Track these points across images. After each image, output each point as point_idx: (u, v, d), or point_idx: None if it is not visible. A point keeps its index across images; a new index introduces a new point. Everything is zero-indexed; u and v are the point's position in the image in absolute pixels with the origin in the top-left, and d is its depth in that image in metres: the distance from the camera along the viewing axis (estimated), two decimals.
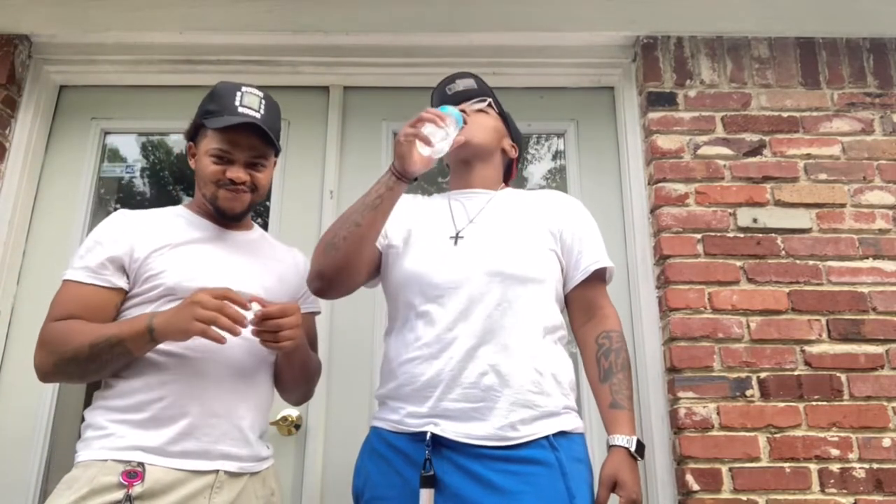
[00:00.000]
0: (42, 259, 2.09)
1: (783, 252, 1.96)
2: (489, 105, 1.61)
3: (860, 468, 1.76)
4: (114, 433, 1.26)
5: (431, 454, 1.25)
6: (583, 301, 1.47)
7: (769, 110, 2.12)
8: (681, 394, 1.84)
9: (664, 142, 2.08)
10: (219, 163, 1.43)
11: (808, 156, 2.07)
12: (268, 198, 2.21)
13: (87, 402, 1.39)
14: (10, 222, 2.08)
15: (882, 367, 1.86)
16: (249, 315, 1.27)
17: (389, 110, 2.28)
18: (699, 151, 2.07)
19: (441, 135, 1.39)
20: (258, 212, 2.30)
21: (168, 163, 2.38)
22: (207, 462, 1.29)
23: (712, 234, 1.98)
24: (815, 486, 1.75)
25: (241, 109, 1.43)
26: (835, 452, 1.78)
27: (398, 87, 2.29)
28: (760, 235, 1.98)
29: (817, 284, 1.93)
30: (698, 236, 1.98)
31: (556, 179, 2.33)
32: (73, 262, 1.38)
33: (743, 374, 1.85)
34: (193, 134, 1.50)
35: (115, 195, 2.27)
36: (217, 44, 2.24)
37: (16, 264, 2.09)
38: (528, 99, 2.30)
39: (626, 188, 2.16)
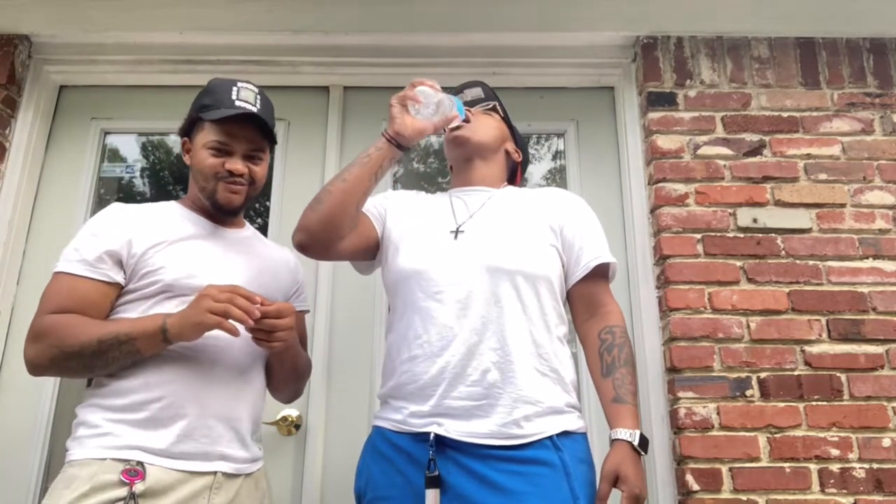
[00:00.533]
0: (42, 259, 2.09)
1: (783, 252, 1.96)
2: (494, 108, 1.63)
3: (860, 468, 1.76)
4: (111, 432, 1.25)
5: (435, 454, 1.25)
6: (585, 297, 1.45)
7: (769, 110, 2.12)
8: (681, 394, 1.84)
9: (664, 142, 2.08)
10: (217, 155, 1.42)
11: (808, 156, 2.07)
12: (268, 198, 2.21)
13: None
14: (10, 222, 2.08)
15: (882, 367, 1.86)
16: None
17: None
18: (699, 151, 2.07)
19: (433, 98, 1.41)
20: (258, 212, 2.30)
21: (168, 163, 2.38)
22: (206, 463, 1.28)
23: (712, 234, 1.98)
24: (815, 486, 1.75)
25: (237, 103, 1.43)
26: (835, 452, 1.78)
27: (398, 87, 2.26)
28: (760, 235, 1.98)
29: (817, 284, 1.93)
30: (698, 236, 1.98)
31: (556, 179, 2.33)
32: (66, 254, 1.35)
33: (743, 374, 1.85)
34: (188, 129, 1.49)
35: (115, 195, 2.27)
36: (217, 44, 2.24)
37: (16, 264, 2.09)
38: (528, 99, 2.30)
39: (626, 188, 2.16)
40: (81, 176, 2.21)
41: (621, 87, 2.27)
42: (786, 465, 1.76)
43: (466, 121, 1.55)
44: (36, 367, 1.30)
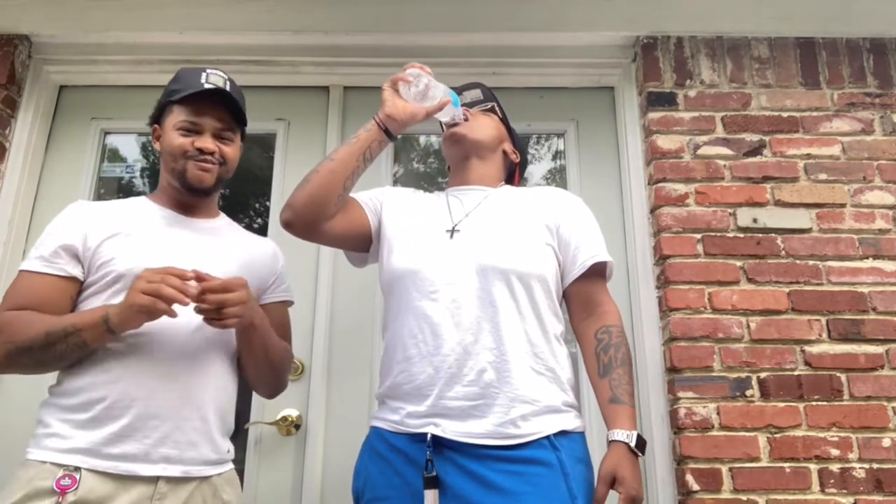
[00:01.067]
0: None
1: (783, 252, 1.96)
2: (492, 109, 1.64)
3: (860, 468, 1.76)
4: (57, 433, 1.24)
5: (433, 455, 1.25)
6: (582, 296, 1.45)
7: (769, 110, 2.12)
8: (681, 394, 1.84)
9: (664, 142, 2.08)
10: (186, 135, 1.43)
11: (808, 156, 2.07)
12: (268, 198, 2.21)
13: None
14: (11, 222, 2.08)
15: (882, 367, 1.86)
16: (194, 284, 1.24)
17: None
18: (699, 151, 2.07)
19: (422, 79, 1.42)
20: (258, 212, 2.30)
21: None
22: (148, 466, 1.25)
23: (712, 234, 1.98)
24: (815, 486, 1.75)
25: (206, 86, 1.43)
26: (835, 452, 1.78)
27: None
28: (760, 235, 1.98)
29: (817, 284, 1.93)
30: (698, 236, 1.98)
31: (556, 179, 2.33)
32: (29, 254, 1.37)
33: (743, 374, 1.85)
34: (158, 117, 1.50)
35: (115, 195, 2.27)
36: (217, 44, 2.24)
37: (16, 264, 2.08)
38: (528, 99, 2.30)
39: (626, 188, 2.16)
40: (81, 176, 2.21)
41: (621, 87, 2.27)
42: (786, 465, 1.76)
43: (465, 119, 1.55)
44: None
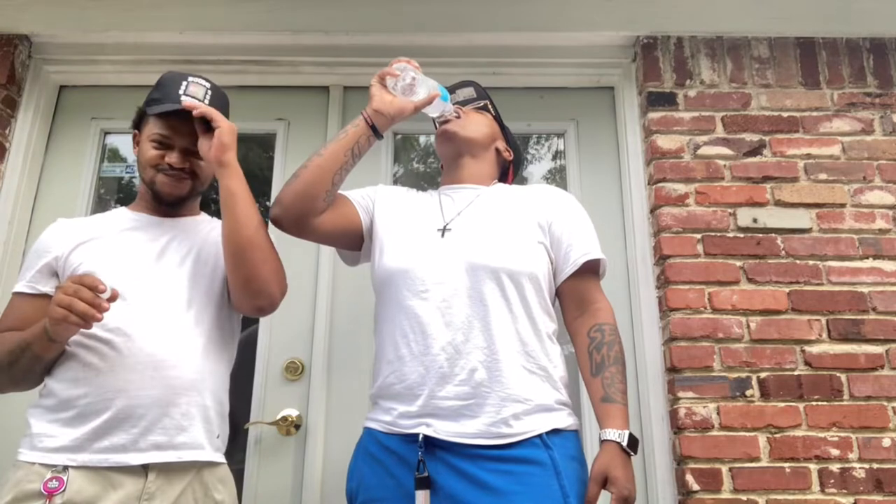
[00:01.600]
0: None
1: (783, 252, 1.96)
2: (485, 107, 1.63)
3: (860, 468, 1.76)
4: (43, 433, 1.26)
5: (424, 455, 1.24)
6: (574, 294, 1.44)
7: (769, 110, 2.12)
8: (681, 394, 1.84)
9: (664, 142, 2.08)
10: (158, 148, 1.44)
11: (808, 156, 2.07)
12: (268, 198, 2.21)
13: None
14: (11, 222, 2.08)
15: (882, 367, 1.86)
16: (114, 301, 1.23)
17: None
18: (699, 151, 2.07)
19: (409, 72, 1.41)
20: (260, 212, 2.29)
21: None
22: (137, 454, 1.25)
23: (712, 234, 1.98)
24: (815, 486, 1.75)
25: (183, 98, 1.42)
26: (835, 452, 1.78)
27: None
28: (760, 235, 1.98)
29: (817, 284, 1.93)
30: (698, 236, 1.98)
31: (556, 179, 2.33)
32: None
33: (743, 374, 1.85)
34: (138, 122, 1.51)
35: (115, 195, 2.27)
36: (217, 44, 2.24)
37: (16, 264, 2.09)
38: (528, 99, 2.30)
39: (626, 188, 2.16)
40: (81, 176, 2.21)
41: (621, 86, 2.27)
42: (786, 465, 1.76)
43: (457, 116, 1.55)
44: None
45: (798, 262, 1.95)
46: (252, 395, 1.98)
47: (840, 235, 1.98)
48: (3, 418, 1.89)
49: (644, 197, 2.11)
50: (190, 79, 1.47)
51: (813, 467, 1.76)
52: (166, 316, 1.35)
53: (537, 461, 1.23)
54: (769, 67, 2.17)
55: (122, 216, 1.50)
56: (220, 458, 1.39)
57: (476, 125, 1.57)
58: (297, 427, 1.95)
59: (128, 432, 1.26)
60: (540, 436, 1.26)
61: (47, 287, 1.38)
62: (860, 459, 1.77)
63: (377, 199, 1.54)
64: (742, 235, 1.98)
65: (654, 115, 2.12)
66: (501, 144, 1.63)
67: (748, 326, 1.89)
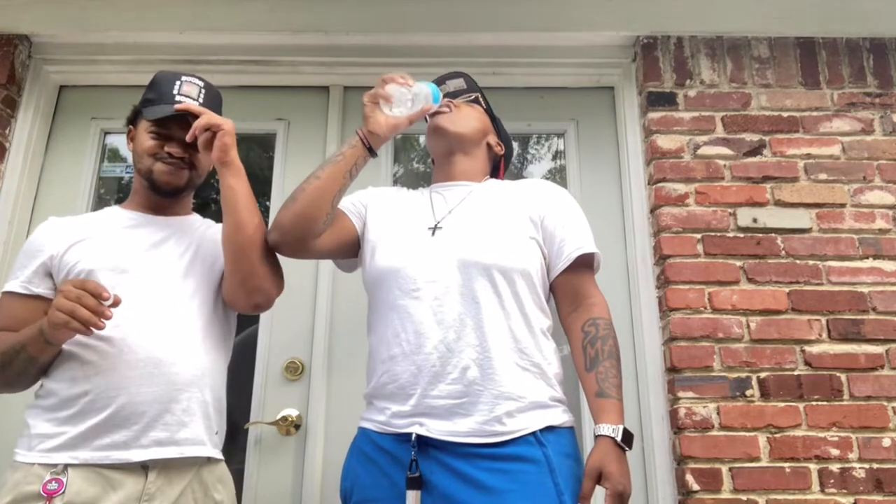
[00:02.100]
0: None
1: (783, 252, 1.96)
2: (476, 100, 1.61)
3: (860, 468, 1.76)
4: (42, 432, 1.25)
5: (418, 454, 1.24)
6: (568, 289, 1.42)
7: (769, 110, 2.12)
8: (681, 394, 1.84)
9: (664, 142, 2.08)
10: (157, 138, 1.44)
11: (808, 156, 2.07)
12: (268, 198, 2.21)
13: None
14: (11, 222, 2.08)
15: (882, 367, 1.86)
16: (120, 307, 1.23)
17: None
18: (699, 151, 2.07)
19: (406, 96, 1.39)
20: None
21: None
22: (138, 451, 1.25)
23: (712, 234, 1.98)
24: (815, 486, 1.75)
25: (178, 98, 1.43)
26: (835, 452, 1.78)
27: None
28: (760, 235, 1.98)
29: (817, 284, 1.93)
30: (698, 236, 1.98)
31: (556, 179, 2.32)
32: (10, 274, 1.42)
33: (743, 374, 1.85)
34: (133, 119, 1.51)
35: (115, 195, 2.27)
36: (217, 44, 2.24)
37: None
38: (528, 99, 2.30)
39: (626, 188, 2.16)
40: (81, 176, 2.21)
41: (621, 86, 2.27)
42: (786, 465, 1.76)
43: (448, 110, 1.52)
44: None
45: (798, 262, 1.95)
46: (252, 395, 1.98)
47: (840, 235, 1.98)
48: (2, 418, 1.89)
49: (644, 197, 2.11)
50: (183, 78, 1.47)
51: (813, 467, 1.76)
52: (165, 313, 1.35)
53: (531, 459, 1.23)
54: (769, 67, 2.17)
55: (116, 215, 1.49)
56: (220, 455, 1.40)
57: (467, 119, 1.54)
58: (297, 427, 1.95)
59: (129, 429, 1.25)
60: (534, 433, 1.25)
61: (41, 288, 1.37)
62: (860, 459, 1.77)
63: (369, 203, 1.53)
64: (742, 235, 1.98)
65: (654, 115, 2.12)
66: (493, 139, 1.61)
67: (748, 326, 1.89)
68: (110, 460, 1.24)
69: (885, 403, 1.82)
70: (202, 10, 2.20)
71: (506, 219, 1.42)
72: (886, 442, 1.79)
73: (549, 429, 1.27)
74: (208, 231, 1.53)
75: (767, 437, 1.79)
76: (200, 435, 1.33)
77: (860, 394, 1.83)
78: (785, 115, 2.11)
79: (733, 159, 2.06)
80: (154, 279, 1.37)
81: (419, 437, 1.25)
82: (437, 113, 1.52)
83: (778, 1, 2.18)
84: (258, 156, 2.36)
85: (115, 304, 1.21)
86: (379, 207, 1.52)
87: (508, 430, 1.24)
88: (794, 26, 2.18)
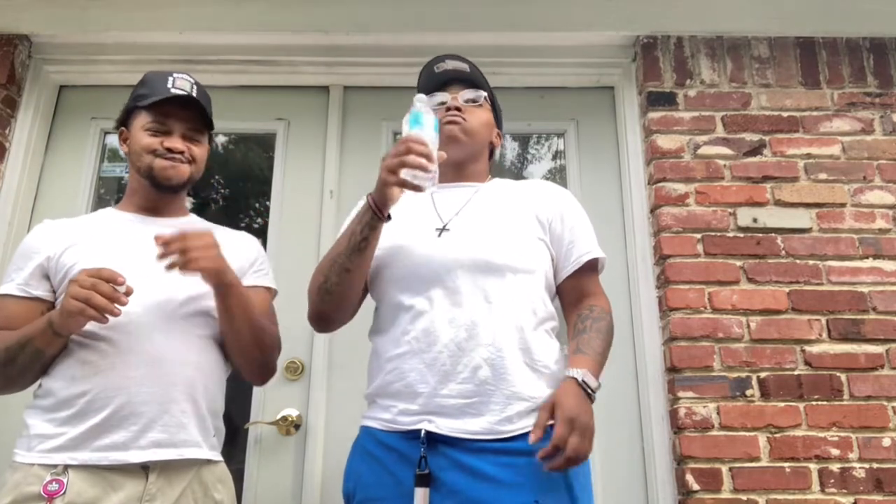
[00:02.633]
0: None
1: (783, 252, 1.96)
2: (485, 99, 1.54)
3: (860, 468, 1.76)
4: (42, 433, 1.25)
5: (426, 451, 1.24)
6: (575, 291, 1.44)
7: (769, 110, 2.12)
8: (681, 394, 1.84)
9: (664, 141, 2.08)
10: (155, 135, 1.44)
11: (808, 155, 2.07)
12: (268, 198, 2.21)
13: None
14: (10, 222, 2.08)
15: (882, 366, 1.86)
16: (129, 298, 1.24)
17: (389, 110, 2.28)
18: (699, 151, 2.07)
19: (429, 175, 1.26)
20: (258, 211, 2.30)
21: None
22: (137, 452, 1.25)
23: (712, 233, 1.98)
24: (815, 486, 1.75)
25: (173, 91, 1.44)
26: (835, 452, 1.78)
27: (398, 87, 2.28)
28: (760, 235, 1.98)
29: (817, 284, 1.93)
30: (698, 236, 1.98)
31: (556, 179, 2.32)
32: (4, 276, 1.41)
33: (743, 374, 1.85)
34: (124, 120, 1.51)
35: (115, 195, 2.27)
36: (217, 44, 2.24)
37: None
38: (528, 99, 2.30)
39: (626, 188, 2.16)
40: (81, 176, 2.21)
41: (621, 86, 2.27)
42: (786, 464, 1.76)
43: (458, 109, 1.46)
44: None
45: (798, 261, 1.95)
46: (252, 395, 1.98)
47: (840, 235, 1.98)
48: (2, 418, 1.89)
49: (644, 197, 2.11)
50: (175, 75, 1.48)
51: (813, 467, 1.76)
52: (165, 313, 1.35)
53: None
54: (769, 67, 2.17)
55: (112, 216, 1.49)
56: (218, 457, 1.40)
57: (477, 129, 1.49)
58: (297, 427, 1.95)
59: (128, 430, 1.25)
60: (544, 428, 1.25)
61: (40, 290, 1.36)
62: (860, 459, 1.77)
63: None
64: (742, 235, 1.98)
65: (654, 114, 2.12)
66: (495, 132, 1.58)
67: (748, 326, 1.89)
68: (109, 461, 1.23)
69: (885, 403, 1.82)
70: (202, 10, 2.20)
71: (514, 219, 1.42)
72: (886, 442, 1.79)
73: None
74: (218, 233, 1.50)
75: (767, 437, 1.79)
76: (197, 437, 1.33)
77: (860, 394, 1.83)
78: (785, 114, 2.11)
79: (733, 159, 2.06)
80: (153, 280, 1.37)
81: (427, 433, 1.25)
82: (447, 123, 1.46)
83: (778, 1, 2.18)
84: (258, 156, 2.37)
85: (129, 291, 1.22)
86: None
87: (518, 427, 1.25)
88: (794, 26, 2.19)
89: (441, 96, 1.51)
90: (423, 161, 1.22)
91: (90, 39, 2.23)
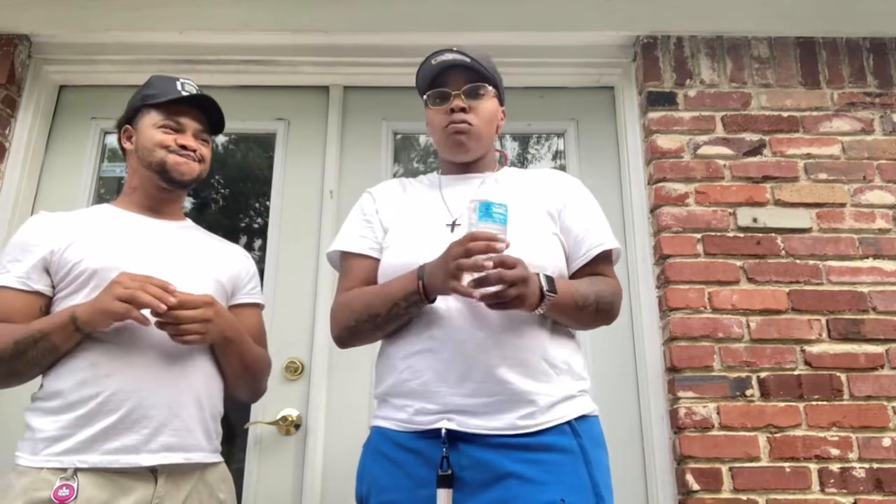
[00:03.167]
0: None
1: (783, 252, 1.96)
2: (490, 88, 1.46)
3: (860, 468, 1.76)
4: (49, 436, 1.23)
5: (448, 450, 1.19)
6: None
7: (769, 110, 2.12)
8: (681, 393, 1.84)
9: (664, 141, 2.08)
10: (168, 132, 1.45)
11: (808, 155, 2.07)
12: (268, 198, 2.21)
13: None
14: (10, 222, 2.08)
15: (882, 366, 1.86)
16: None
17: (389, 110, 2.28)
18: (699, 151, 2.07)
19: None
20: (258, 211, 2.30)
21: None
22: (148, 455, 1.25)
23: (712, 233, 1.98)
24: (815, 486, 1.75)
25: (184, 92, 1.47)
26: (835, 452, 1.78)
27: (398, 87, 2.29)
28: (760, 235, 1.98)
29: (817, 284, 1.93)
30: (698, 236, 1.98)
31: None
32: None
33: (743, 374, 1.85)
34: (130, 118, 1.51)
35: (115, 195, 2.26)
36: (217, 44, 2.24)
37: None
38: (528, 99, 2.30)
39: (626, 188, 2.16)
40: (81, 176, 2.21)
41: (621, 86, 2.27)
42: (786, 464, 1.76)
43: (463, 110, 1.39)
44: None
45: (798, 261, 1.95)
46: (262, 395, 1.97)
47: (840, 235, 1.98)
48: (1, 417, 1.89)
49: (644, 197, 2.11)
50: (182, 79, 1.50)
51: (813, 467, 1.76)
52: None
53: (566, 449, 1.20)
54: (769, 67, 2.17)
55: (112, 213, 1.47)
56: (220, 458, 1.41)
57: (485, 128, 1.43)
58: (297, 427, 1.95)
59: (139, 433, 1.25)
60: (569, 422, 1.23)
61: (41, 285, 1.34)
62: (860, 459, 1.77)
63: (381, 218, 1.45)
64: (742, 235, 1.98)
65: (654, 114, 2.12)
66: (501, 120, 1.52)
67: (748, 326, 1.89)
68: (120, 464, 1.23)
69: (885, 403, 1.82)
70: (202, 10, 2.20)
71: (526, 214, 1.36)
72: (886, 442, 1.79)
73: (583, 418, 1.25)
74: (205, 249, 1.51)
75: (767, 437, 1.79)
76: (203, 441, 1.34)
77: (860, 393, 1.83)
78: (785, 114, 2.11)
79: (733, 159, 2.06)
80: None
81: (448, 431, 1.21)
82: (454, 133, 1.40)
83: (778, 1, 2.18)
84: (258, 156, 2.37)
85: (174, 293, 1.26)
86: (389, 213, 1.45)
87: (541, 422, 1.21)
88: (794, 26, 2.19)
89: (441, 92, 1.42)
90: (485, 264, 1.16)
91: (90, 39, 2.23)
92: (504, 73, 2.23)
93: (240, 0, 2.20)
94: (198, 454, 1.32)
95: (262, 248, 2.16)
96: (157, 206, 1.50)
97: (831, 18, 2.18)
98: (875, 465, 1.77)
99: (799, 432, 1.79)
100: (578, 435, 1.22)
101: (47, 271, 1.36)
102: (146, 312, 1.25)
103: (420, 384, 1.26)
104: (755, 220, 1.99)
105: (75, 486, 1.19)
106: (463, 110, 1.39)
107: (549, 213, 1.40)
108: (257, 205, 2.30)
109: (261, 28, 2.20)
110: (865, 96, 2.13)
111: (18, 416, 1.33)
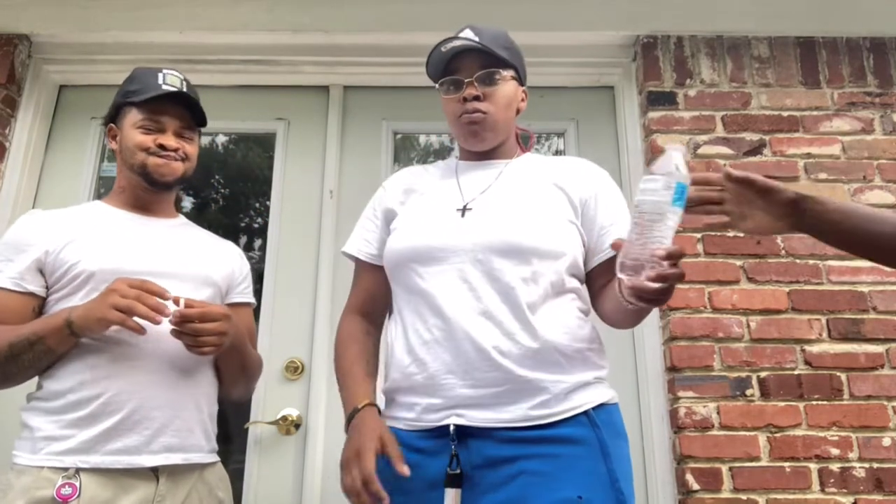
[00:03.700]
0: None
1: (783, 251, 1.96)
2: (510, 72, 1.40)
3: (860, 468, 1.76)
4: (51, 435, 1.22)
5: (457, 448, 1.14)
6: (602, 278, 1.30)
7: (769, 110, 2.12)
8: (681, 393, 1.84)
9: (664, 141, 2.08)
10: (147, 133, 1.42)
11: (808, 155, 2.07)
12: (268, 197, 2.21)
13: None
14: (10, 222, 2.06)
15: (882, 366, 1.86)
16: (171, 306, 1.25)
17: (389, 110, 2.28)
18: (699, 151, 2.07)
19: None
20: (258, 211, 2.30)
21: None
22: (149, 456, 1.25)
23: (712, 233, 1.98)
24: (815, 486, 1.75)
25: (164, 87, 1.43)
26: (835, 452, 1.78)
27: (398, 87, 2.29)
28: (760, 235, 1.98)
29: (817, 284, 1.93)
30: (698, 235, 1.98)
31: None
32: None
33: (743, 374, 1.85)
34: (113, 117, 1.50)
35: None
36: (217, 44, 2.24)
37: None
38: (528, 98, 2.28)
39: (627, 188, 2.15)
40: (81, 175, 2.21)
41: (621, 86, 2.27)
42: (786, 464, 1.76)
43: (476, 99, 1.32)
44: None
45: (798, 261, 1.95)
46: (252, 395, 1.97)
47: None
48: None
49: None
50: (165, 71, 1.47)
51: (813, 467, 1.76)
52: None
53: (583, 441, 1.14)
54: (769, 67, 2.17)
55: (105, 211, 1.46)
56: (217, 458, 1.41)
57: (501, 116, 1.36)
58: (297, 427, 1.95)
59: (140, 434, 1.25)
60: (586, 412, 1.17)
61: (34, 286, 1.32)
62: (860, 459, 1.77)
63: (388, 216, 1.41)
64: (742, 235, 1.98)
65: (654, 114, 2.12)
66: (522, 102, 1.46)
67: (748, 326, 1.89)
68: (121, 465, 1.23)
69: (885, 403, 1.82)
70: (202, 10, 2.20)
71: (543, 200, 1.30)
72: (886, 441, 1.79)
73: (601, 406, 1.19)
74: (201, 248, 1.51)
75: (767, 437, 1.79)
76: (202, 441, 1.35)
77: (860, 393, 1.83)
78: (785, 114, 2.11)
79: (733, 159, 2.06)
80: (162, 283, 1.34)
81: (457, 427, 1.16)
82: (467, 123, 1.34)
83: (778, 1, 2.18)
84: (258, 155, 2.37)
85: (176, 301, 1.25)
86: (398, 200, 1.40)
87: (558, 411, 1.15)
88: (794, 26, 2.18)
89: (453, 80, 1.36)
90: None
91: (90, 39, 2.23)
92: None
93: (240, 0, 2.20)
94: (197, 454, 1.32)
95: (262, 248, 2.16)
96: (146, 205, 1.48)
97: (831, 18, 2.18)
98: (875, 465, 1.77)
99: (799, 432, 1.79)
100: (597, 426, 1.16)
101: (41, 272, 1.34)
102: (147, 315, 1.24)
103: (426, 377, 1.21)
104: None
105: (78, 484, 1.18)
106: (477, 98, 1.32)
107: (569, 201, 1.32)
108: (257, 205, 2.30)
109: (261, 28, 2.20)
110: (865, 96, 2.13)
111: (13, 416, 1.33)
